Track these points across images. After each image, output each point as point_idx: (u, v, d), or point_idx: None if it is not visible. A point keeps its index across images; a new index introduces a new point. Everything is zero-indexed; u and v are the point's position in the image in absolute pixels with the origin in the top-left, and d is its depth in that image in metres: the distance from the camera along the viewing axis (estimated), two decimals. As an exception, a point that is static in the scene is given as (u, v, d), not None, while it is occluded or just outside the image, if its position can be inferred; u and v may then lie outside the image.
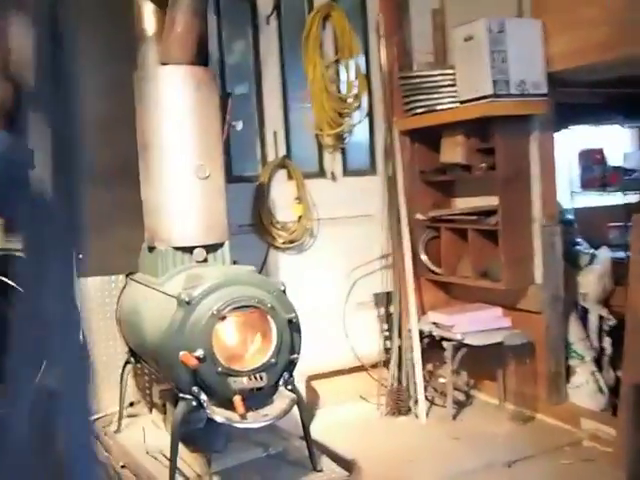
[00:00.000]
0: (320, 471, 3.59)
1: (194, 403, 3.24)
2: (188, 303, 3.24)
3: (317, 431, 5.21)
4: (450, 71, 4.88)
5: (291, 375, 3.46)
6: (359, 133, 5.90)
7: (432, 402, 5.40)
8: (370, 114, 5.91)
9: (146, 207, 3.86)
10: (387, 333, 5.87)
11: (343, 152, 5.91)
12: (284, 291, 3.46)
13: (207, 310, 3.22)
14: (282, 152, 5.67)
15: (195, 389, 3.23)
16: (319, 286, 5.74)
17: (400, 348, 5.67)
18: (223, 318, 3.29)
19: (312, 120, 5.65)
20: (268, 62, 5.45)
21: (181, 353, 3.12)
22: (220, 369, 3.21)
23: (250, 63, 5.42)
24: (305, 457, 3.63)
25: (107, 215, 4.27)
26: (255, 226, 5.54)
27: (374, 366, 5.76)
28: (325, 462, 3.70)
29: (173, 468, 3.28)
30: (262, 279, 3.47)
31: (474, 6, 5.07)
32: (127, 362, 4.15)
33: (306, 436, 3.59)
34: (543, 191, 4.84)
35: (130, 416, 4.37)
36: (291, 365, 3.44)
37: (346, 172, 5.93)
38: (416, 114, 5.24)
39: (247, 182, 5.55)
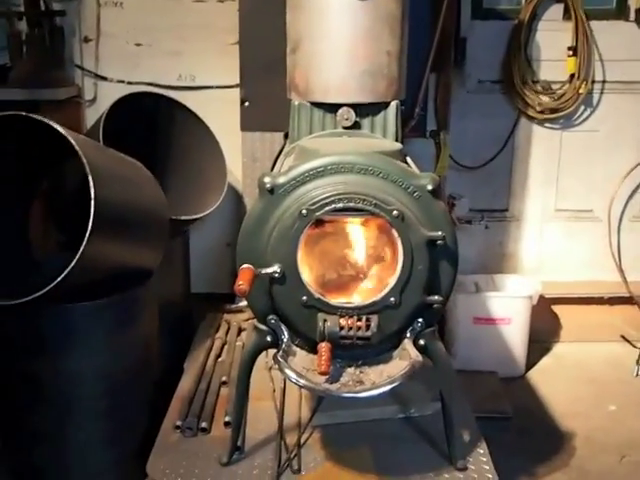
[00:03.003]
0: (462, 469, 2.36)
1: (269, 338, 2.20)
2: (271, 192, 2.11)
3: (540, 372, 3.91)
4: None
5: (428, 325, 2.19)
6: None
7: None
8: None
9: (288, 40, 2.69)
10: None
11: (664, -18, 3.94)
12: (433, 192, 2.11)
13: (296, 207, 2.06)
14: (561, -24, 3.93)
15: (272, 319, 2.18)
16: (586, 179, 4.12)
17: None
18: (320, 223, 2.11)
19: None
20: None
21: (242, 266, 2.06)
22: (305, 298, 2.09)
23: None
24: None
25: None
26: (503, 84, 4.04)
27: (649, 300, 4.08)
28: (479, 452, 2.44)
29: (237, 417, 2.36)
30: (402, 169, 2.14)
31: None
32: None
33: (446, 421, 2.35)
34: None
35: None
36: (427, 310, 2.16)
37: (667, 12, 3.98)
38: None
39: (499, 19, 4.00)
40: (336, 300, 2.12)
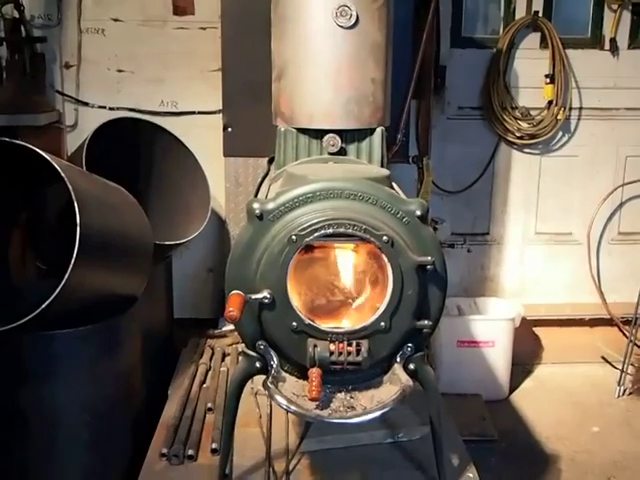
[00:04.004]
0: (451, 495, 2.36)
1: (258, 364, 2.19)
2: (260, 218, 2.11)
3: (523, 394, 3.93)
4: None
5: (417, 350, 2.20)
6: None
7: None
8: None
9: (273, 67, 2.71)
10: (660, 279, 4.17)
11: (636, 12, 4.05)
12: (422, 217, 2.13)
13: (285, 233, 2.06)
14: (537, 7, 4.03)
15: (262, 345, 2.17)
16: (565, 202, 4.19)
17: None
18: (309, 248, 2.11)
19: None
20: None
21: (232, 292, 2.05)
22: (295, 324, 2.08)
23: None
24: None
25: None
26: (483, 110, 4.11)
27: (627, 322, 4.12)
28: (468, 476, 2.44)
29: (226, 444, 2.33)
30: (391, 195, 2.16)
31: None
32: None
33: (435, 445, 2.34)
34: None
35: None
36: (417, 335, 2.16)
37: (637, 42, 4.07)
38: None
39: (478, 48, 4.06)
40: (326, 325, 2.12)
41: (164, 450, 2.58)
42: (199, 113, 3.85)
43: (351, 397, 2.15)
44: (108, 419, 2.74)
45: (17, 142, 2.46)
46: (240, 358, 2.27)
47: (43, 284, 2.84)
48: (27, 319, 2.43)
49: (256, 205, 2.11)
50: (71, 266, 2.36)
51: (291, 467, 2.48)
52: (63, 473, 2.69)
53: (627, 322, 4.10)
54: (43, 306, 2.39)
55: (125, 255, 2.76)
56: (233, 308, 1.96)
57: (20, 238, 3.08)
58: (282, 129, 2.63)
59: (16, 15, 3.63)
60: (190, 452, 2.57)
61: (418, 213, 2.12)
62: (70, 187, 2.35)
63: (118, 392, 2.81)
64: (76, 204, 2.36)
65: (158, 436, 2.72)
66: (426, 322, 2.15)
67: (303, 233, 2.04)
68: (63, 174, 2.37)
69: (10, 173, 2.76)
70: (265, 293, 2.06)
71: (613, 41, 4.04)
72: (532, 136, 4.09)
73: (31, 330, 2.53)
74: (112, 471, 2.78)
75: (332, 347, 2.08)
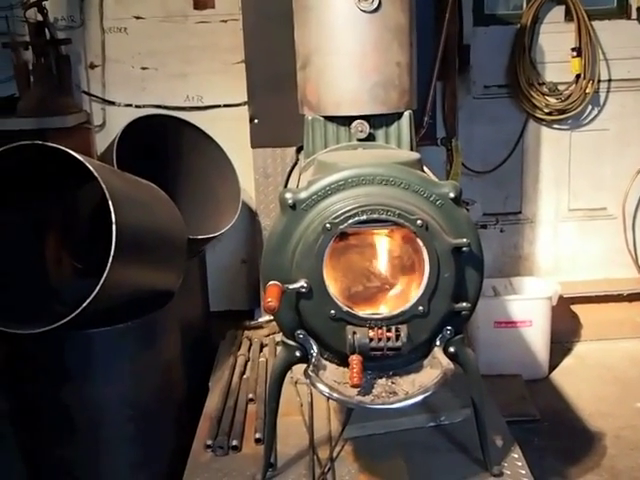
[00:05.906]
0: (498, 475, 2.34)
1: (298, 353, 2.20)
2: (293, 208, 2.11)
3: (563, 373, 3.90)
4: None
5: (457, 333, 2.19)
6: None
7: None
8: None
9: (297, 57, 2.70)
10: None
11: (664, -24, 3.96)
12: (455, 199, 2.11)
13: (319, 221, 2.06)
14: (558, -20, 3.95)
15: (301, 334, 2.18)
16: (598, 177, 4.12)
17: None
18: (343, 236, 2.11)
19: None
20: None
21: (270, 283, 2.06)
22: (334, 312, 2.09)
23: None
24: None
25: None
26: (509, 88, 4.06)
27: (666, 296, 4.06)
28: (513, 457, 2.43)
29: (270, 434, 2.35)
30: (423, 179, 2.14)
31: None
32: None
33: (479, 427, 2.33)
34: None
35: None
36: (456, 318, 2.15)
37: (668, 9, 4.00)
38: None
39: (502, 24, 4.01)
40: (364, 312, 2.12)
41: (209, 442, 2.61)
42: (225, 106, 3.87)
43: (392, 382, 2.15)
44: (151, 413, 2.78)
45: (50, 145, 2.49)
46: (280, 348, 2.28)
47: (79, 283, 2.89)
48: (69, 318, 2.47)
49: (288, 195, 2.11)
50: (109, 265, 2.39)
51: (335, 454, 2.50)
52: (109, 468, 2.74)
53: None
54: (84, 305, 2.42)
55: (160, 251, 2.78)
56: (271, 299, 1.97)
57: (55, 239, 3.12)
58: (309, 118, 2.63)
59: (40, 18, 3.66)
60: (234, 443, 2.60)
61: (451, 195, 2.11)
62: (104, 187, 2.37)
63: (159, 386, 2.84)
64: (111, 203, 2.38)
65: (202, 428, 2.75)
66: (464, 304, 2.14)
67: (337, 221, 2.04)
68: (97, 174, 2.39)
69: (43, 175, 2.80)
70: (302, 282, 2.07)
71: (640, 10, 3.95)
72: (561, 111, 4.03)
73: (71, 329, 2.57)
74: (157, 463, 2.83)
75: (371, 333, 2.08)
